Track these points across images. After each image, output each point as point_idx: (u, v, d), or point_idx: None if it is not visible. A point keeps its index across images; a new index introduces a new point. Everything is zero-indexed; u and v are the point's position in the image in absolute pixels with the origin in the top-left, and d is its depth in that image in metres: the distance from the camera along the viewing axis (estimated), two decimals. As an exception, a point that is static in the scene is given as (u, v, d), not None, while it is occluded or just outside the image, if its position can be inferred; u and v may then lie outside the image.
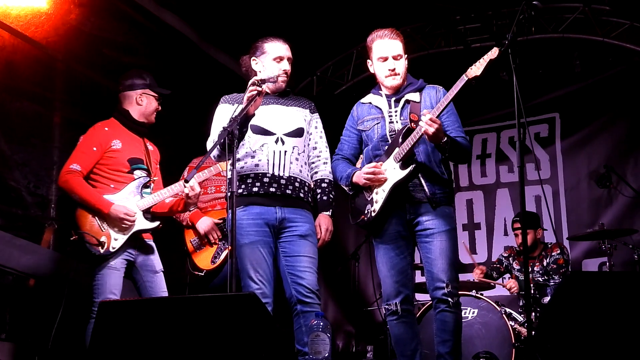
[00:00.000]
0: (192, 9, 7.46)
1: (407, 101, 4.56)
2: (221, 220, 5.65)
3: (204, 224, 5.66)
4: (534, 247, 7.32)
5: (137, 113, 5.14)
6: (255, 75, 4.56)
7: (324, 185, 4.73)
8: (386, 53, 4.55)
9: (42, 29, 5.97)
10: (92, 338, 3.59)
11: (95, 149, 4.94)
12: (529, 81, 8.33)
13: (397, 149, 4.41)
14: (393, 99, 4.60)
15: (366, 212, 4.55)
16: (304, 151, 4.67)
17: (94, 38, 6.54)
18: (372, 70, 4.70)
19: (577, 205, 8.64)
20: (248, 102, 4.25)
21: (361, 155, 4.79)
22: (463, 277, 7.15)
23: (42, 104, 6.35)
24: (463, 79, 4.20)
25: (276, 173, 4.52)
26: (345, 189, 4.73)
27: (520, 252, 7.58)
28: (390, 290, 4.50)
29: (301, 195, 4.58)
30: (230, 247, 4.03)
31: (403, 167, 4.38)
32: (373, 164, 4.51)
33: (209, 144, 4.55)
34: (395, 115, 4.56)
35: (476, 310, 6.49)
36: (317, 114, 4.84)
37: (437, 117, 4.23)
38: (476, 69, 4.18)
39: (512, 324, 6.37)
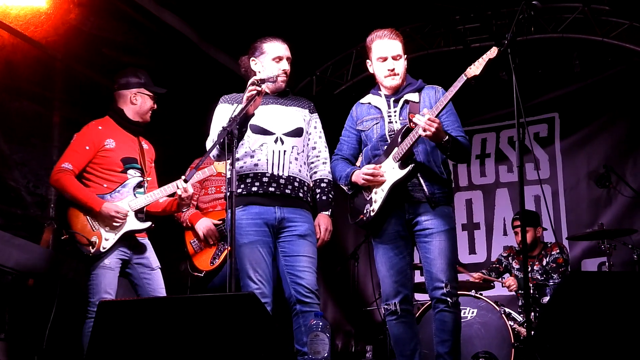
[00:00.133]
0: (192, 9, 7.46)
1: (406, 101, 4.56)
2: (221, 221, 5.65)
3: (203, 225, 5.66)
4: (534, 246, 7.32)
5: (132, 112, 5.13)
6: (255, 75, 4.56)
7: (323, 185, 4.73)
8: (386, 53, 4.56)
9: (42, 29, 5.97)
10: (92, 338, 3.59)
11: (87, 147, 4.93)
12: (528, 81, 8.34)
13: (396, 149, 4.41)
14: (392, 99, 4.60)
15: (365, 211, 4.55)
16: (303, 151, 4.68)
17: (93, 38, 6.53)
18: (371, 71, 4.71)
19: (577, 205, 8.64)
20: (247, 102, 4.25)
21: (360, 155, 4.79)
22: (462, 277, 7.14)
23: (41, 103, 6.34)
24: (462, 79, 4.21)
25: (275, 173, 4.52)
26: (344, 188, 4.73)
27: (519, 251, 7.58)
28: (390, 290, 4.50)
29: (300, 195, 4.59)
30: (229, 247, 4.03)
31: (402, 166, 4.38)
32: (372, 165, 4.51)
33: (209, 144, 4.55)
34: (395, 115, 4.56)
35: (475, 310, 6.49)
36: (317, 114, 4.84)
37: (436, 116, 4.23)
38: (475, 69, 4.18)
39: (512, 323, 6.37)
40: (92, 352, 3.52)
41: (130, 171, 5.03)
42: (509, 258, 7.58)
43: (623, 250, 7.01)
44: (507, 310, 6.56)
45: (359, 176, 4.54)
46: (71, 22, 6.16)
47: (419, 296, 7.55)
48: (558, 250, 7.19)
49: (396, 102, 4.58)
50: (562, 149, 8.85)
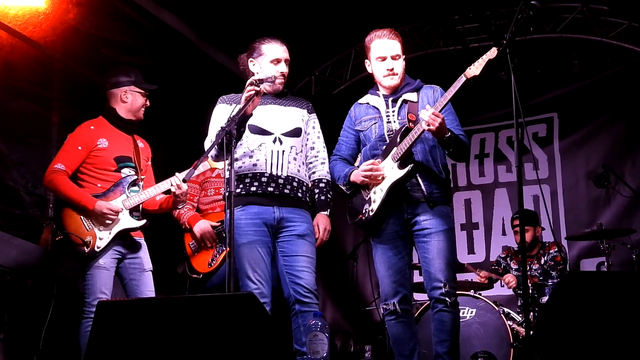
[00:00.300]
0: (191, 9, 7.46)
1: (405, 101, 4.56)
2: (219, 223, 5.64)
3: (200, 227, 5.65)
4: (533, 245, 7.33)
5: (124, 110, 5.13)
6: (253, 75, 4.55)
7: (321, 185, 4.73)
8: (385, 53, 4.56)
9: (40, 29, 5.97)
10: (91, 338, 3.58)
11: (80, 148, 4.93)
12: (527, 81, 8.34)
13: (395, 149, 4.41)
14: (390, 99, 4.60)
15: (364, 211, 4.55)
16: (301, 151, 4.68)
17: (92, 37, 6.54)
18: (370, 70, 4.70)
19: (575, 205, 8.65)
20: (246, 102, 4.25)
21: (359, 155, 4.79)
22: (461, 276, 7.15)
23: (40, 103, 6.34)
24: (461, 79, 4.21)
25: (274, 173, 4.52)
26: (343, 188, 4.73)
27: (517, 251, 7.59)
28: (388, 290, 4.50)
29: (299, 195, 4.59)
30: (228, 247, 4.02)
31: (401, 166, 4.38)
32: (370, 161, 4.51)
33: (207, 144, 4.55)
34: (393, 115, 4.56)
35: (474, 310, 6.50)
36: (315, 114, 4.84)
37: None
38: (475, 69, 4.18)
39: (511, 323, 6.37)
40: (91, 352, 3.52)
41: (125, 170, 5.03)
42: (507, 259, 7.58)
43: (622, 250, 7.01)
44: (506, 310, 6.56)
45: (357, 175, 4.54)
46: (70, 22, 6.17)
47: (417, 296, 7.54)
48: (556, 249, 7.20)
49: (394, 101, 4.58)
50: (561, 149, 8.85)
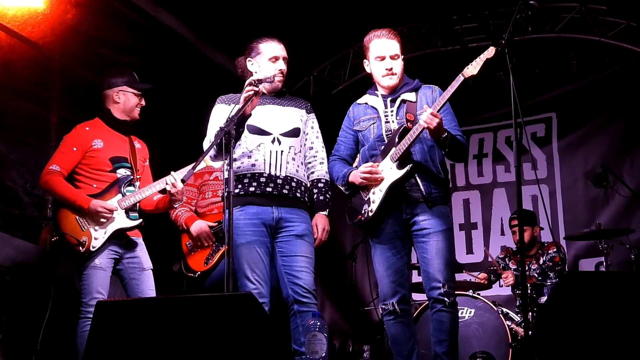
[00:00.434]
0: (189, 9, 7.46)
1: (403, 101, 4.57)
2: (216, 223, 5.64)
3: (196, 226, 5.64)
4: (531, 245, 7.34)
5: (118, 111, 5.13)
6: (251, 76, 4.55)
7: (320, 185, 4.73)
8: (383, 52, 4.56)
9: (39, 29, 5.97)
10: (89, 338, 3.58)
11: (75, 149, 4.95)
12: (525, 81, 8.32)
13: (393, 149, 4.41)
14: (389, 98, 4.60)
15: (363, 212, 4.55)
16: (300, 151, 4.68)
17: (90, 38, 6.54)
18: (368, 70, 4.71)
19: (574, 205, 8.65)
20: (245, 102, 4.25)
21: (358, 156, 4.79)
22: (460, 276, 7.14)
23: (38, 103, 6.34)
24: (459, 79, 4.21)
25: (273, 173, 4.52)
26: (342, 188, 4.73)
27: (515, 251, 7.59)
28: (387, 290, 4.50)
29: (298, 195, 4.59)
30: (226, 247, 4.02)
31: (400, 166, 4.38)
32: (370, 163, 4.51)
33: (206, 145, 4.55)
34: (391, 115, 4.56)
35: (473, 310, 6.50)
36: (313, 114, 4.85)
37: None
38: (473, 69, 4.18)
39: (509, 323, 6.37)
40: (90, 353, 3.52)
41: (120, 170, 5.04)
42: (506, 259, 7.59)
43: (620, 250, 7.01)
44: (504, 310, 6.56)
45: (356, 176, 4.54)
46: (68, 23, 6.17)
47: (416, 296, 7.55)
48: (555, 249, 7.20)
49: (393, 101, 4.58)
50: (560, 149, 8.86)
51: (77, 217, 4.85)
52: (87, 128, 5.05)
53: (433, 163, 4.48)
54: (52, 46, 6.19)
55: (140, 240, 5.11)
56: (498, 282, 7.42)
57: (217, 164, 5.60)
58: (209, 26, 7.73)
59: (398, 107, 4.56)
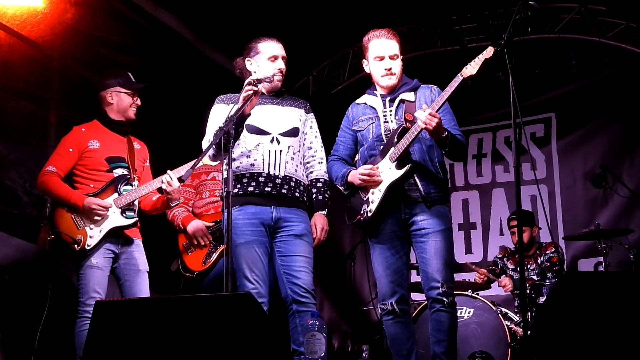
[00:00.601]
0: (189, 9, 7.46)
1: (402, 101, 4.57)
2: (213, 223, 5.63)
3: (193, 226, 5.63)
4: (530, 246, 7.34)
5: (113, 112, 5.15)
6: (250, 75, 4.55)
7: (319, 184, 4.73)
8: (383, 52, 4.56)
9: (38, 28, 5.97)
10: (88, 338, 3.58)
11: (71, 150, 4.98)
12: (525, 81, 8.32)
13: (392, 149, 4.41)
14: (388, 98, 4.60)
15: (362, 212, 4.55)
16: (299, 151, 4.68)
17: (90, 37, 6.54)
18: (367, 70, 4.71)
19: (573, 205, 8.66)
20: (244, 102, 4.25)
21: (357, 155, 4.79)
22: (458, 276, 7.15)
23: (38, 103, 6.34)
24: (458, 79, 4.21)
25: (272, 172, 4.52)
26: (341, 188, 4.73)
27: (514, 251, 7.60)
28: (386, 290, 4.50)
29: (296, 194, 4.59)
30: (225, 247, 4.02)
31: (399, 166, 4.38)
32: (369, 165, 4.51)
33: (205, 144, 4.55)
34: (390, 115, 4.56)
35: (472, 310, 6.50)
36: (312, 114, 4.84)
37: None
38: (471, 69, 4.18)
39: (508, 323, 6.37)
40: (88, 352, 3.52)
41: (117, 170, 5.05)
42: (504, 259, 7.59)
43: (619, 250, 7.02)
44: (503, 310, 6.56)
45: (355, 176, 4.54)
46: (68, 22, 6.17)
47: (415, 296, 7.57)
48: (553, 249, 7.20)
49: (392, 101, 4.58)
50: (559, 149, 8.86)
51: (73, 216, 4.87)
52: (83, 129, 5.09)
53: (432, 163, 4.48)
54: (51, 45, 6.19)
55: (138, 242, 5.12)
56: (497, 282, 7.41)
57: (216, 163, 5.60)
58: (209, 26, 7.73)
59: (397, 107, 4.56)
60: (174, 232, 5.76)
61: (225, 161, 4.12)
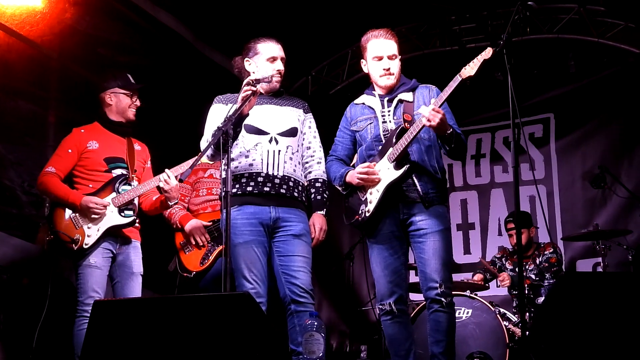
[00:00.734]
0: (188, 9, 7.46)
1: (400, 101, 4.57)
2: (211, 223, 5.63)
3: (191, 225, 5.63)
4: (528, 246, 7.34)
5: (112, 113, 5.18)
6: (249, 75, 4.54)
7: (317, 184, 4.73)
8: (381, 52, 4.56)
9: (37, 28, 5.97)
10: (87, 338, 3.58)
11: (70, 151, 5.02)
12: (523, 81, 8.31)
13: (391, 149, 4.41)
14: (386, 98, 4.60)
15: (360, 212, 4.55)
16: (297, 151, 4.68)
17: (89, 37, 6.54)
18: (365, 70, 4.71)
19: (572, 206, 8.66)
20: (243, 102, 4.25)
21: (355, 156, 4.79)
22: (457, 277, 7.14)
23: (37, 103, 6.34)
24: (457, 79, 4.21)
25: (270, 172, 4.52)
26: (339, 189, 4.73)
27: (512, 252, 7.60)
28: (384, 290, 4.50)
29: (295, 194, 4.59)
30: (223, 247, 4.02)
31: (397, 167, 4.38)
32: (367, 164, 4.51)
33: (203, 144, 4.55)
34: (388, 115, 4.56)
35: (470, 311, 6.50)
36: (311, 114, 4.85)
37: None
38: (470, 69, 4.18)
39: (506, 324, 6.37)
40: (87, 352, 3.52)
41: (116, 170, 5.07)
42: (502, 259, 7.59)
43: (618, 250, 7.02)
44: (502, 310, 6.56)
45: (353, 176, 4.54)
46: (66, 22, 6.17)
47: (413, 296, 7.57)
48: (551, 250, 7.21)
49: (390, 101, 4.58)
50: (557, 150, 8.86)
51: (71, 215, 4.90)
52: (82, 131, 5.13)
53: (430, 163, 4.48)
54: (50, 45, 6.19)
55: (137, 244, 5.13)
56: (495, 281, 7.41)
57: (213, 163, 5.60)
58: (208, 26, 7.73)
59: (395, 107, 4.56)
60: (171, 231, 5.76)
61: (224, 161, 4.12)
